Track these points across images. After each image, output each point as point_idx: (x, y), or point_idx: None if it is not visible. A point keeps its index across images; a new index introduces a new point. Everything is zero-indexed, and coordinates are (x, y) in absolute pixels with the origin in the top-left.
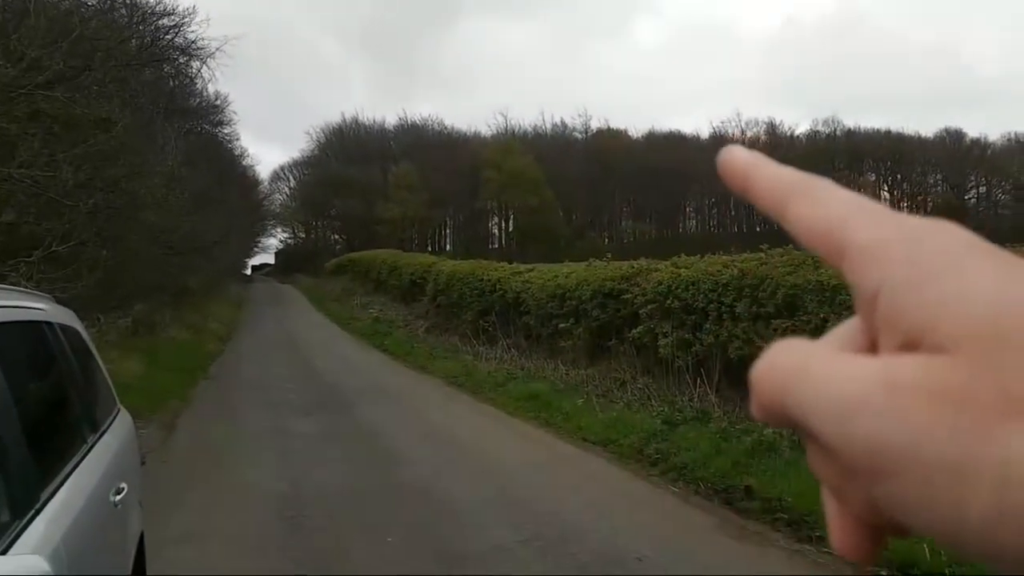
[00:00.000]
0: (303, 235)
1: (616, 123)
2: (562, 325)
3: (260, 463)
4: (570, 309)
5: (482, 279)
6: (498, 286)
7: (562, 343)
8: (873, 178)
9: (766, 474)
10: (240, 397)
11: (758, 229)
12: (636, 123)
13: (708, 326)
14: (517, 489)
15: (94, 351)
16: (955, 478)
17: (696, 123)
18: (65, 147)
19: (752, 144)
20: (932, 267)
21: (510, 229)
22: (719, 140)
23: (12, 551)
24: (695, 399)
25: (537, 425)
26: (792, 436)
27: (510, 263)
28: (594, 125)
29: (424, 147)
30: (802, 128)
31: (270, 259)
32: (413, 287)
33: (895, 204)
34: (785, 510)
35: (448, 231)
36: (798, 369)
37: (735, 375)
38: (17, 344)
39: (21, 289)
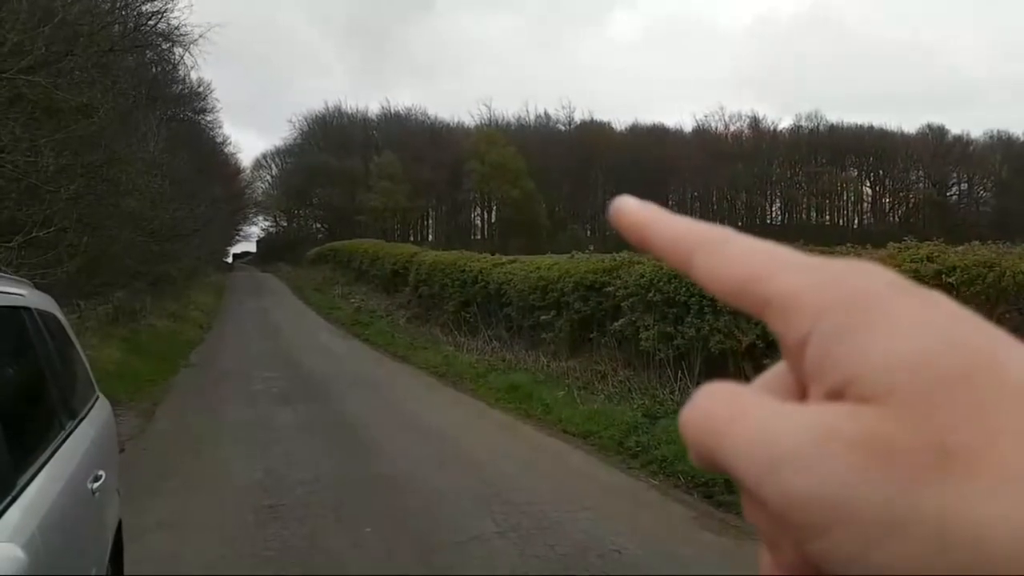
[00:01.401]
0: (285, 224)
1: (600, 115)
2: (544, 317)
3: (239, 452)
4: (552, 301)
5: (464, 270)
6: (480, 277)
7: (543, 335)
8: (855, 173)
9: None
10: (220, 386)
11: (740, 224)
12: (620, 116)
13: (690, 319)
14: (496, 480)
15: (73, 338)
16: (890, 533)
17: (680, 117)
18: (46, 132)
19: (735, 138)
20: (858, 313)
21: (493, 220)
22: (703, 133)
23: None
24: (676, 392)
25: (517, 416)
26: None
27: (492, 254)
28: (578, 117)
29: (407, 137)
30: (785, 123)
31: (252, 247)
32: (395, 277)
33: (877, 200)
34: None
35: (431, 221)
36: (728, 417)
37: (716, 369)
38: None
39: (2, 274)
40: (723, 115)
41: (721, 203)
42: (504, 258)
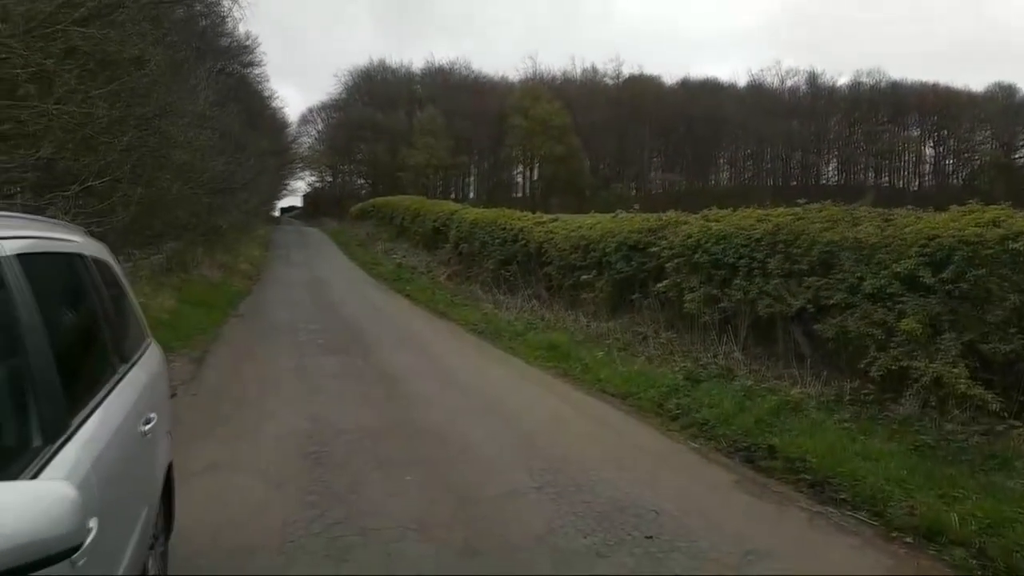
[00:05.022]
0: (330, 179)
1: (650, 69)
2: (584, 277)
3: (284, 400)
4: (593, 261)
5: (504, 228)
6: (521, 236)
7: (584, 295)
8: (917, 133)
9: (790, 434)
10: (267, 335)
11: (794, 183)
12: (671, 70)
13: (738, 282)
14: (533, 436)
15: (126, 285)
16: None
17: (733, 71)
18: (100, 84)
19: (792, 94)
20: None
21: (535, 178)
22: (757, 89)
23: (42, 476)
24: (720, 356)
25: (556, 375)
26: (820, 396)
27: (534, 212)
28: (626, 71)
29: (450, 92)
30: (844, 79)
31: (298, 202)
32: (436, 234)
33: (939, 161)
34: (808, 471)
35: (472, 178)
36: None
37: (763, 333)
38: (50, 275)
39: (55, 221)
40: (779, 70)
41: (775, 161)
42: (545, 216)
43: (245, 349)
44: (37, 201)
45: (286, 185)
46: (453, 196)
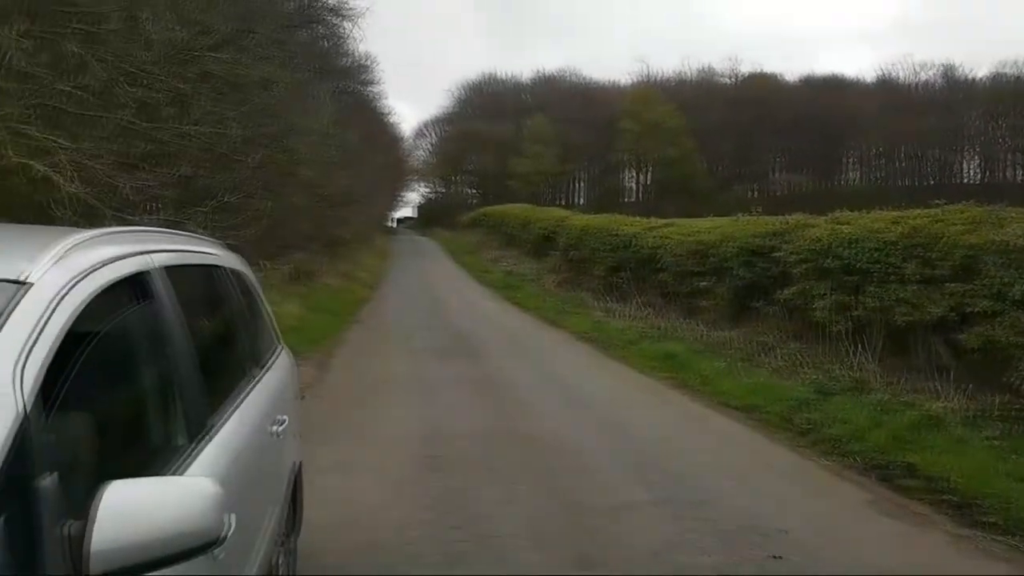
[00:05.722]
0: (441, 189)
1: (769, 67)
2: (702, 284)
3: (401, 404)
4: (712, 267)
5: (615, 234)
6: (633, 242)
7: (701, 303)
8: None
9: (931, 451)
10: (385, 341)
11: (931, 182)
12: (792, 67)
13: (871, 288)
14: (649, 449)
15: (260, 294)
16: None
17: (860, 66)
18: (231, 106)
19: (925, 88)
20: None
21: (647, 182)
22: (887, 84)
23: (186, 473)
24: (853, 367)
25: (672, 386)
26: (964, 410)
27: (646, 217)
28: (744, 69)
29: (558, 99)
30: (983, 71)
31: (411, 212)
32: (544, 241)
33: None
34: (952, 491)
35: (581, 184)
36: None
37: (899, 343)
38: (193, 286)
39: (198, 236)
40: (911, 63)
41: (908, 160)
42: (659, 221)
43: (365, 354)
44: (177, 216)
45: (401, 197)
46: (562, 203)
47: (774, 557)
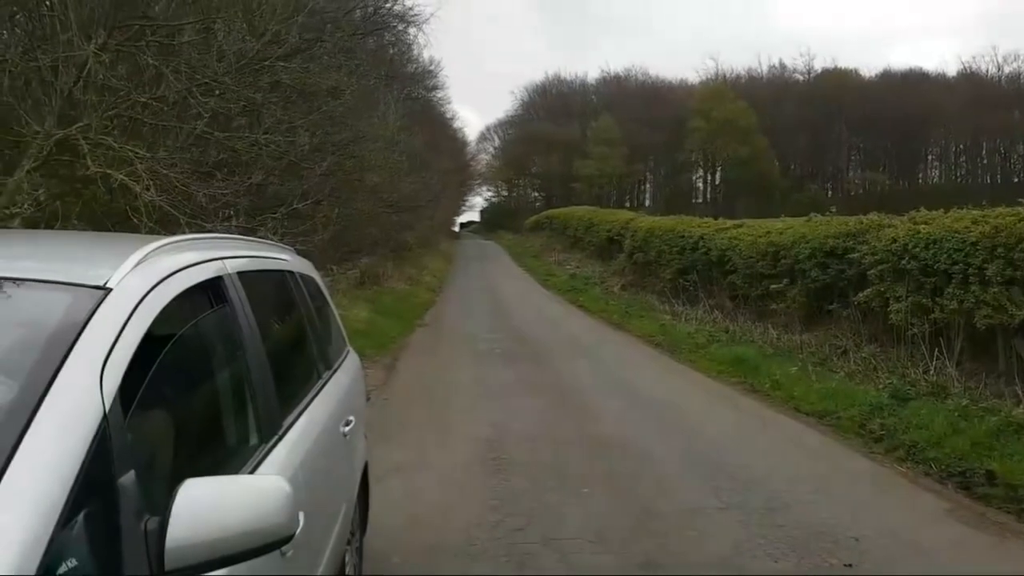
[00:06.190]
0: (505, 193)
1: (845, 62)
2: (774, 286)
3: (465, 406)
4: (784, 268)
5: (683, 236)
6: (701, 243)
7: (773, 305)
8: None
9: (1013, 459)
10: (450, 344)
11: (1016, 180)
12: (869, 61)
13: (951, 290)
14: (718, 454)
15: (329, 298)
16: None
17: (941, 60)
18: (301, 114)
19: (1011, 81)
20: None
21: (717, 182)
22: (970, 78)
23: (259, 471)
24: (931, 372)
25: (743, 391)
26: None
27: (715, 218)
28: (818, 65)
29: (626, 99)
30: None
31: (476, 216)
32: (609, 244)
33: None
34: None
35: (648, 186)
36: None
37: (981, 347)
38: (265, 290)
39: (271, 242)
40: (995, 56)
41: (992, 156)
42: (729, 222)
43: (430, 357)
44: (250, 223)
45: (465, 201)
46: (628, 205)
47: (845, 565)
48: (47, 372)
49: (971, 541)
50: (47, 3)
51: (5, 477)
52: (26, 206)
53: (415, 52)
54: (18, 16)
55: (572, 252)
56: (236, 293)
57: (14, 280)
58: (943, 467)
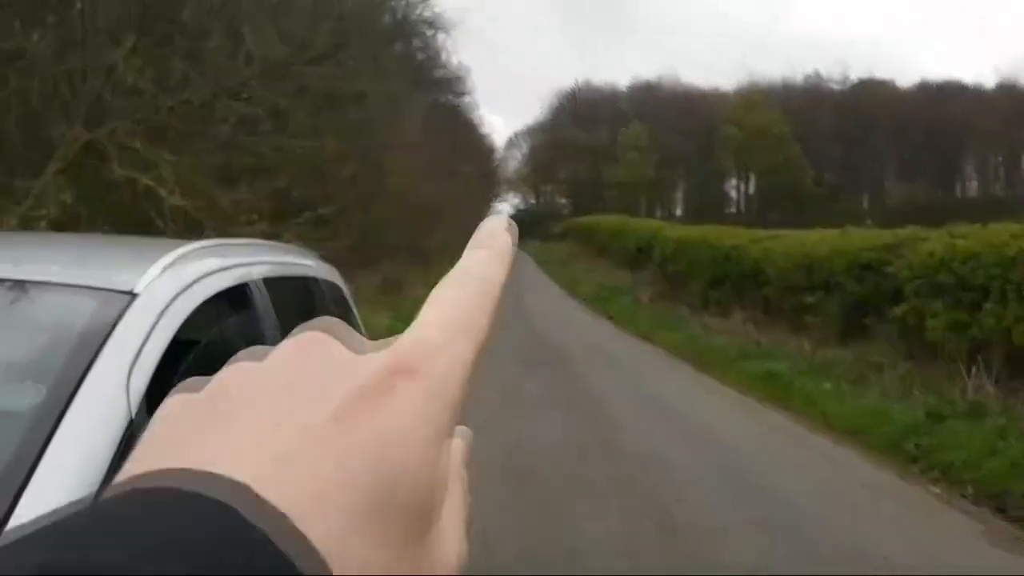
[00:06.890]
0: (532, 200)
1: (880, 73)
2: (809, 299)
3: (488, 414)
4: (819, 281)
5: (714, 247)
6: (733, 254)
7: (807, 319)
8: None
9: None
10: None
11: None
12: (905, 72)
13: (989, 306)
14: (747, 470)
15: (353, 305)
16: None
17: (979, 71)
18: (327, 120)
19: None
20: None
21: (749, 191)
22: (1010, 89)
23: None
24: (968, 390)
25: (774, 407)
26: None
27: (748, 228)
28: (853, 75)
29: (657, 106)
30: None
31: None
32: (638, 253)
33: None
34: None
35: (679, 194)
36: None
37: (1020, 364)
38: (290, 296)
39: (293, 246)
40: None
41: None
42: (762, 233)
43: None
44: (274, 228)
45: (492, 207)
46: (659, 213)
47: None
48: (75, 375)
49: (1005, 564)
50: (78, 5)
51: (34, 478)
52: (52, 209)
53: (443, 58)
54: (49, 19)
55: (600, 261)
56: (261, 299)
57: (42, 284)
58: (979, 488)
